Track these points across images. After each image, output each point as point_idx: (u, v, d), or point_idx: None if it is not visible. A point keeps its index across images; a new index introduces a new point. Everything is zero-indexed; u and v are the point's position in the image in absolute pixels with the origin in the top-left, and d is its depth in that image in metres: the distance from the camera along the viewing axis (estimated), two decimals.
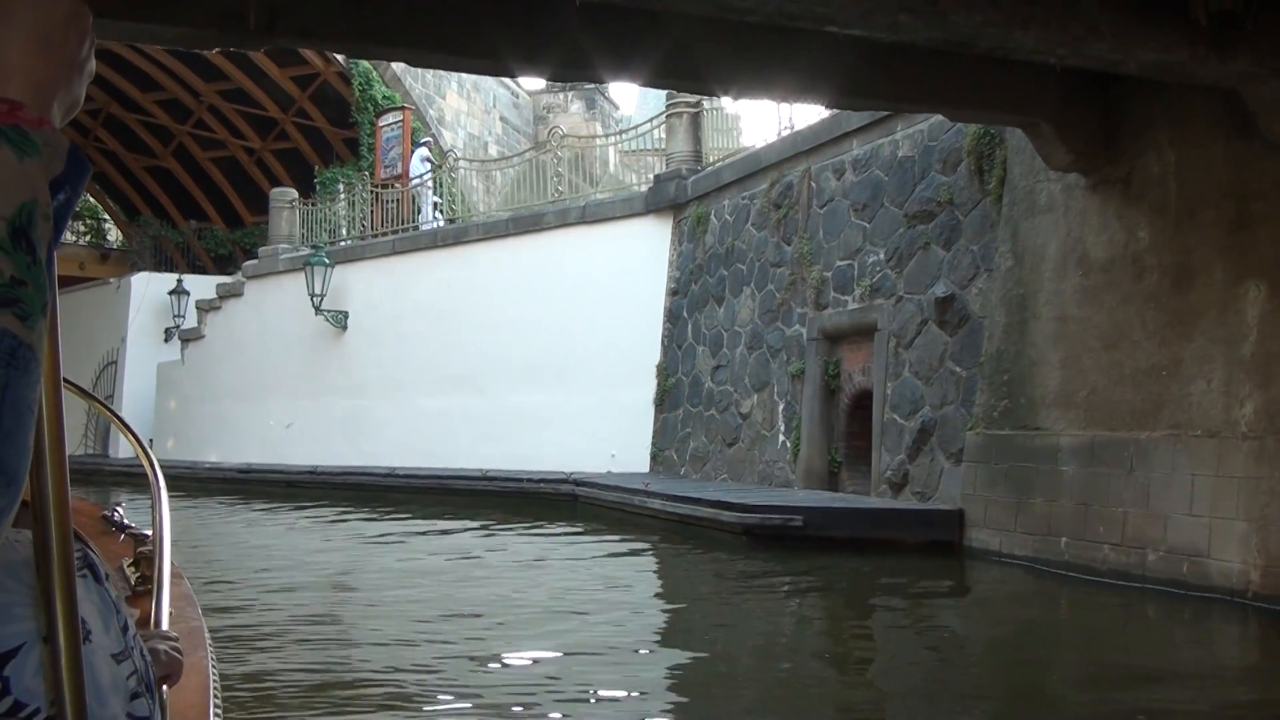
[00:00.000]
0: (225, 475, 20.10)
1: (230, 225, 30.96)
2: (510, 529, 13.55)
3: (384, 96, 24.97)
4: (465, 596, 9.41)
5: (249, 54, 25.94)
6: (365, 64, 25.21)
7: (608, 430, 16.15)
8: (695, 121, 16.33)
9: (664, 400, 15.68)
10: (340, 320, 19.64)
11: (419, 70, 26.69)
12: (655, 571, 11.11)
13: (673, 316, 15.89)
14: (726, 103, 16.08)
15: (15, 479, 0.79)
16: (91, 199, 33.39)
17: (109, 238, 34.64)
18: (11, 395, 0.78)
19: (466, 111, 28.78)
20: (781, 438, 13.05)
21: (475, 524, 13.92)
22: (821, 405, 12.53)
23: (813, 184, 13.11)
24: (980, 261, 10.43)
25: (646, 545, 11.84)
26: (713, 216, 15.21)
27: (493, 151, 28.33)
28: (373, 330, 19.41)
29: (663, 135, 18.06)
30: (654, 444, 15.73)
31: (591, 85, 34.15)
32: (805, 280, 12.89)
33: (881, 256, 11.74)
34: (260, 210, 26.96)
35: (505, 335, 17.59)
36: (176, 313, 24.81)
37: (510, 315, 17.62)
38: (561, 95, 32.91)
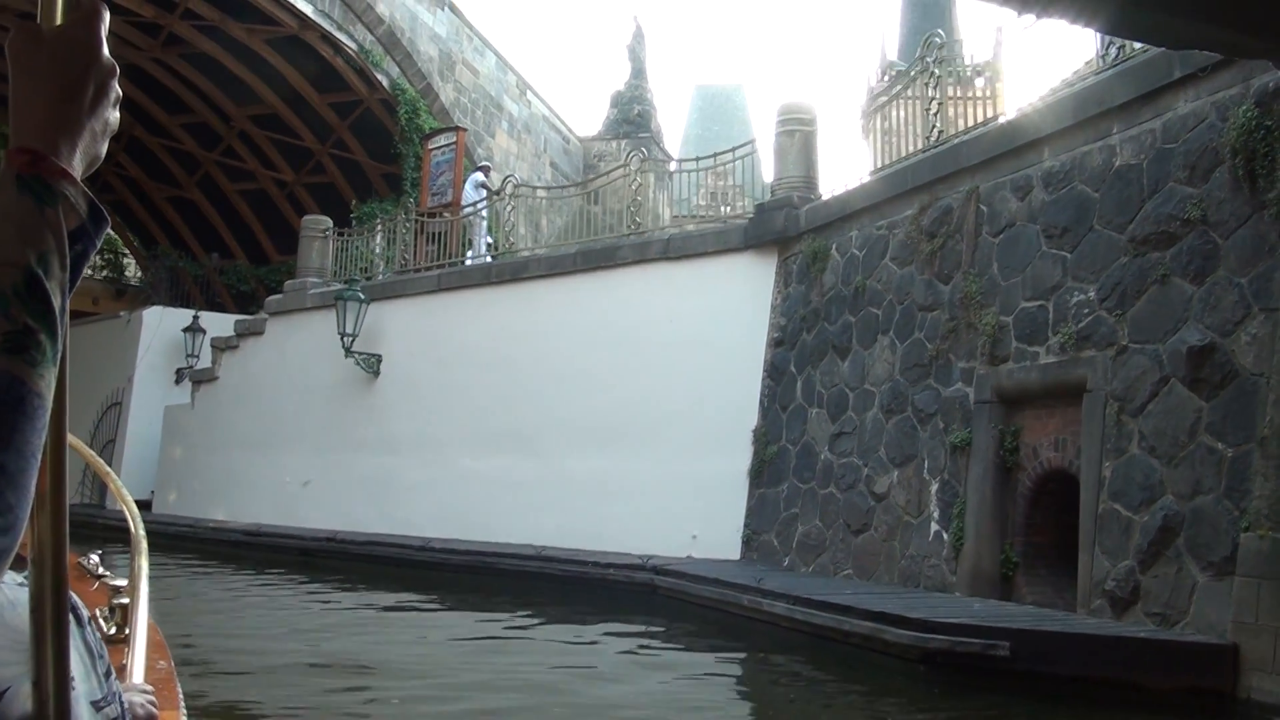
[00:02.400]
0: (230, 537, 17.27)
1: (255, 263, 28.45)
2: (575, 626, 10.70)
3: (430, 128, 22.54)
4: None
5: (287, 77, 23.71)
6: (412, 91, 22.84)
7: (689, 507, 13.29)
8: (809, 141, 13.64)
9: (763, 473, 12.80)
10: (373, 365, 16.93)
11: (468, 104, 24.35)
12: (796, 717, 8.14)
13: (776, 372, 13.07)
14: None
15: (16, 523, 0.85)
16: (112, 232, 30.98)
17: (127, 273, 32.20)
18: (18, 441, 0.84)
19: (516, 154, 26.38)
20: (935, 527, 10.15)
21: (531, 616, 11.08)
22: (995, 488, 9.65)
23: (982, 207, 10.34)
24: (1254, 298, 7.59)
25: (768, 669, 8.96)
26: (834, 251, 12.44)
27: (541, 203, 25.88)
28: (409, 378, 16.69)
29: (743, 169, 15.43)
30: (748, 526, 12.83)
31: (646, 133, 31.94)
32: (973, 327, 10.08)
33: (1093, 294, 8.93)
34: (289, 248, 24.44)
35: (567, 389, 14.85)
36: (190, 352, 22.24)
37: (574, 365, 14.89)
38: (614, 143, 30.64)
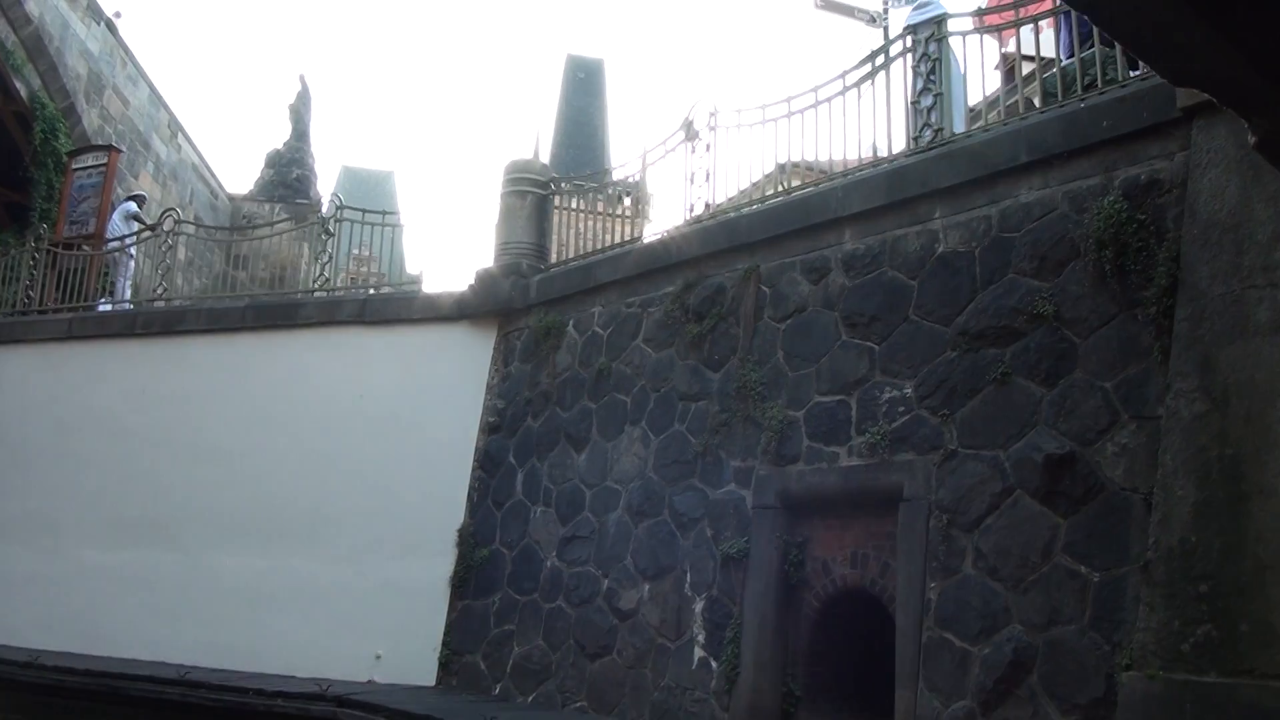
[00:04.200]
0: None
1: None
2: None
3: (69, 154, 19.28)
4: None
5: None
6: (53, 108, 19.55)
7: (372, 620, 11.15)
8: (542, 205, 12.12)
9: (469, 581, 10.87)
10: None
11: (113, 135, 21.22)
12: None
13: (490, 462, 11.26)
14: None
15: None
16: None
17: None
18: None
19: (160, 201, 23.30)
20: (700, 653, 8.60)
21: None
22: (778, 608, 8.28)
23: (764, 288, 9.15)
24: (1122, 404, 6.69)
25: None
26: (572, 328, 10.91)
27: (181, 255, 22.80)
28: (20, 442, 13.52)
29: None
30: (447, 645, 10.80)
31: (305, 200, 29.44)
32: (753, 421, 8.77)
33: (909, 391, 7.84)
34: None
35: (223, 470, 12.39)
36: None
37: (235, 442, 12.48)
38: (268, 206, 27.96)
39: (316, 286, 13.08)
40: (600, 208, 11.85)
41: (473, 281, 12.09)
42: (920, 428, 7.70)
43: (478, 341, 11.83)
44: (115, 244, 15.19)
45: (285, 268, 17.50)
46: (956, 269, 7.89)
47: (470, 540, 11.00)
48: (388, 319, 12.33)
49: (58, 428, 13.46)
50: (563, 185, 11.92)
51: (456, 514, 11.23)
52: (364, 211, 13.22)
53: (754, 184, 10.26)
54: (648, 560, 9.23)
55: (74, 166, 16.62)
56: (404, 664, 10.79)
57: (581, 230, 11.80)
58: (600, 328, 10.58)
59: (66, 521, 12.94)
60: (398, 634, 10.97)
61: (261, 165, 29.83)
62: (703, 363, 9.40)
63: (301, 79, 31.67)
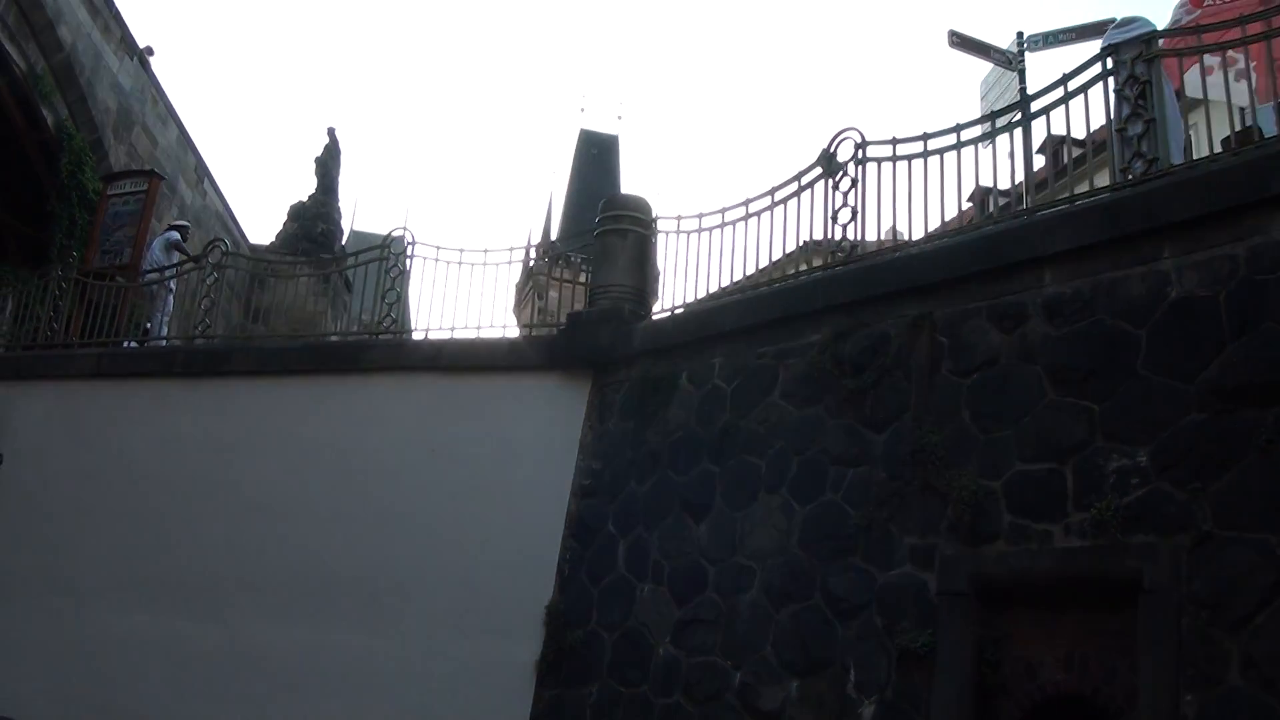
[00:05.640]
0: None
1: None
2: None
3: (96, 191, 18.08)
4: None
5: None
6: (81, 140, 18.39)
7: (439, 708, 9.71)
8: (643, 245, 10.88)
9: (560, 667, 9.41)
10: None
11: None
12: None
13: (585, 531, 9.86)
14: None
15: None
16: None
17: None
18: None
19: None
20: None
21: None
22: (973, 714, 6.88)
23: (940, 338, 7.87)
24: None
25: None
26: (685, 381, 9.59)
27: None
28: (35, 490, 12.10)
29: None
30: None
31: (329, 255, 28.28)
32: (934, 491, 7.44)
33: (1144, 460, 6.53)
34: None
35: (266, 529, 11.02)
36: None
37: (280, 497, 11.12)
38: (289, 259, 26.79)
39: (381, 329, 11.73)
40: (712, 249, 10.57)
41: (563, 325, 10.81)
42: (1162, 504, 6.37)
43: (569, 394, 10.50)
44: (154, 275, 13.88)
45: (306, 324, 16.30)
46: (1196, 316, 6.62)
47: (561, 619, 9.57)
48: (466, 366, 11.02)
49: (79, 475, 12.05)
50: (676, 223, 10.63)
51: (543, 588, 9.80)
52: (439, 248, 11.95)
53: (916, 222, 9.00)
54: (795, 652, 7.82)
55: (110, 192, 15.36)
56: None
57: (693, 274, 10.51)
58: (723, 381, 9.26)
59: (86, 582, 11.47)
60: None
61: (285, 218, 28.66)
62: (862, 422, 8.08)
63: (330, 133, 30.54)
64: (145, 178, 15.63)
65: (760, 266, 9.93)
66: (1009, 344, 7.50)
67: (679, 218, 10.71)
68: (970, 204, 9.36)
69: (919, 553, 7.41)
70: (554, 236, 59.05)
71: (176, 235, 14.80)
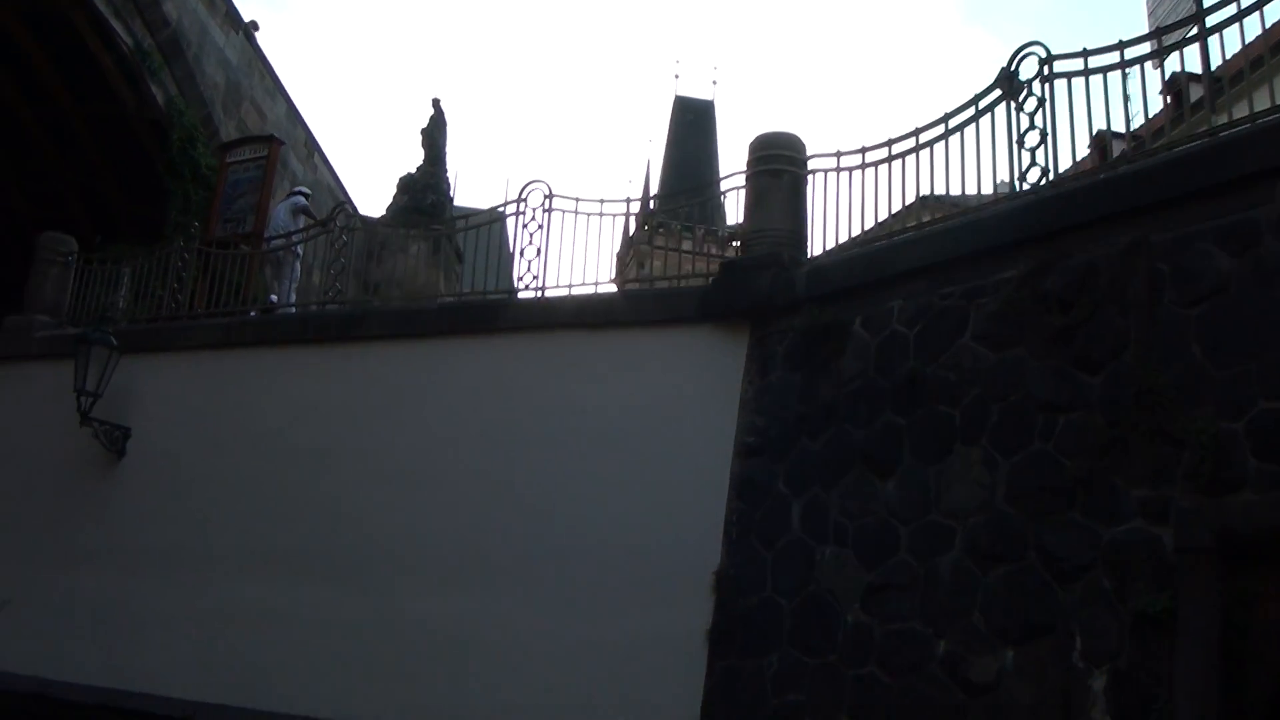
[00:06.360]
0: None
1: None
2: None
3: (208, 166, 17.84)
4: None
5: (37, 66, 18.48)
6: (190, 115, 18.13)
7: (604, 679, 9.17)
8: (797, 185, 10.15)
9: (733, 637, 8.80)
10: (117, 441, 12.00)
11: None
12: None
13: (753, 491, 9.21)
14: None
15: None
16: None
17: None
18: None
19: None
20: None
21: None
22: (1222, 690, 6.11)
23: (1158, 265, 7.04)
24: None
25: None
26: (859, 328, 8.87)
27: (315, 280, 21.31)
28: (169, 464, 11.87)
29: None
30: (708, 714, 8.72)
31: (439, 226, 27.96)
32: (1165, 436, 6.64)
33: None
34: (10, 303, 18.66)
35: (408, 496, 10.60)
36: None
37: (422, 463, 10.70)
38: (402, 232, 26.49)
39: (523, 285, 11.18)
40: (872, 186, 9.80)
41: (718, 274, 10.15)
42: None
43: (724, 347, 9.83)
44: (279, 240, 13.49)
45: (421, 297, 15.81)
46: None
47: (731, 585, 8.94)
48: (611, 321, 10.43)
49: (211, 445, 11.79)
50: (836, 159, 9.86)
51: (710, 554, 9.18)
52: (577, 199, 11.34)
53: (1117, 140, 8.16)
54: (1008, 618, 7.09)
55: (229, 160, 15.03)
56: None
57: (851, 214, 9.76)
58: (903, 325, 8.51)
59: (221, 554, 11.22)
60: (639, 698, 8.94)
61: (394, 190, 28.37)
62: (1072, 363, 7.29)
63: (435, 104, 30.07)
64: (265, 143, 15.27)
65: (929, 203, 9.15)
66: (1240, 268, 6.65)
67: (838, 153, 9.96)
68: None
69: (1150, 505, 6.62)
70: (652, 204, 58.32)
71: (303, 200, 14.44)
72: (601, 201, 11.32)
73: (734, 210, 24.10)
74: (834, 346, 8.95)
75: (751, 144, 10.40)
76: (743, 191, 10.41)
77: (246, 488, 11.39)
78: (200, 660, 10.71)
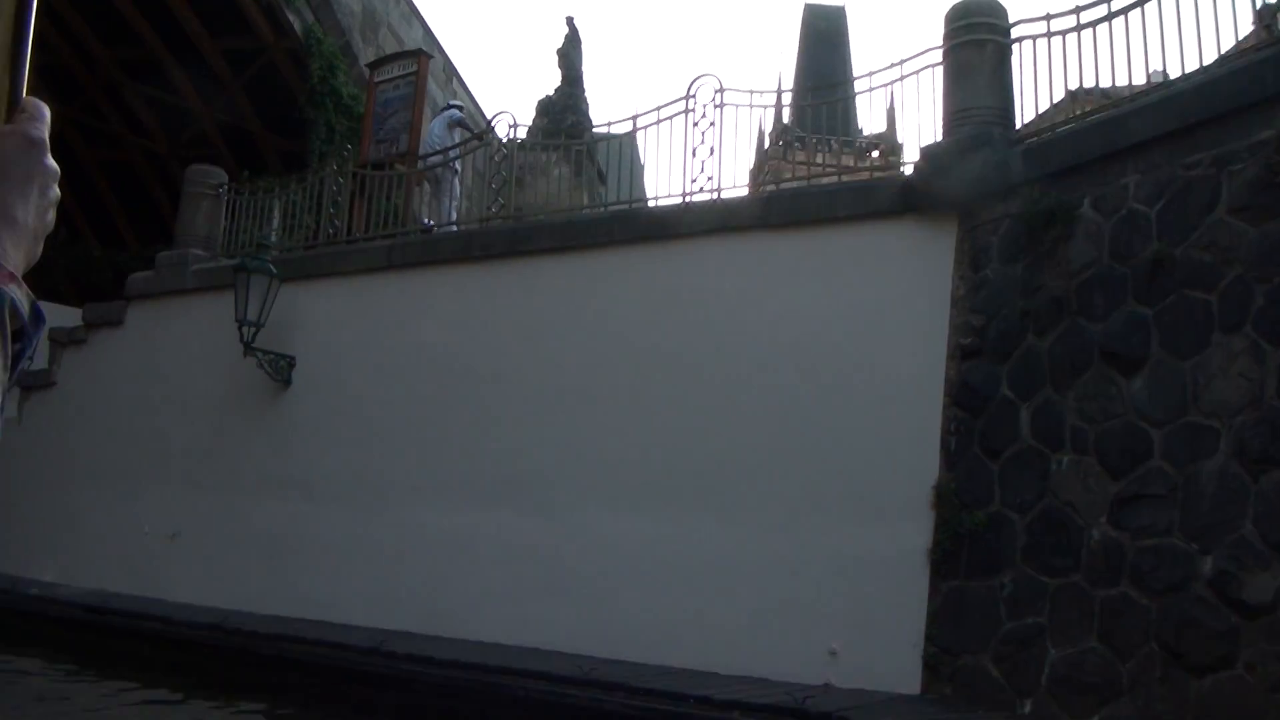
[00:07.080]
0: (62, 612, 11.56)
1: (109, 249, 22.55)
2: None
3: (350, 95, 17.43)
4: None
5: (174, 8, 18.34)
6: (330, 44, 17.71)
7: (816, 603, 8.55)
8: (1003, 56, 9.13)
9: (958, 556, 8.06)
10: (283, 370, 11.79)
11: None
12: None
13: (972, 397, 8.39)
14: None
15: None
16: None
17: None
18: None
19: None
20: None
21: None
22: None
23: None
24: None
25: None
26: (1088, 209, 7.90)
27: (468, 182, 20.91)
28: (337, 390, 11.61)
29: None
30: (932, 639, 8.04)
31: (581, 147, 27.44)
32: None
33: None
34: (153, 237, 18.74)
35: (588, 415, 10.09)
36: None
37: (600, 380, 10.15)
38: (545, 155, 25.96)
39: (698, 188, 10.43)
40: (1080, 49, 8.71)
41: (919, 162, 9.24)
42: None
43: (931, 240, 8.95)
44: (436, 158, 12.97)
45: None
46: None
47: (954, 501, 8.17)
48: (799, 220, 9.62)
49: (379, 371, 11.47)
50: (1046, 24, 8.79)
51: (926, 467, 8.41)
52: (752, 93, 10.49)
53: None
54: None
55: (377, 80, 14.49)
56: (870, 663, 8.14)
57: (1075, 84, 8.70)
58: (1142, 203, 7.52)
59: (394, 479, 10.97)
60: (857, 623, 8.31)
61: (533, 113, 27.81)
62: None
63: (569, 22, 29.31)
64: (413, 58, 14.67)
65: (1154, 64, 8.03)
66: None
67: (1048, 16, 8.90)
68: None
69: None
70: (785, 119, 56.64)
71: (458, 113, 13.89)
72: (778, 92, 10.44)
73: (869, 119, 22.75)
74: (1060, 232, 8.00)
75: (947, 14, 9.38)
76: (902, 84, 9.45)
77: (416, 412, 11.06)
78: (382, 589, 10.48)
